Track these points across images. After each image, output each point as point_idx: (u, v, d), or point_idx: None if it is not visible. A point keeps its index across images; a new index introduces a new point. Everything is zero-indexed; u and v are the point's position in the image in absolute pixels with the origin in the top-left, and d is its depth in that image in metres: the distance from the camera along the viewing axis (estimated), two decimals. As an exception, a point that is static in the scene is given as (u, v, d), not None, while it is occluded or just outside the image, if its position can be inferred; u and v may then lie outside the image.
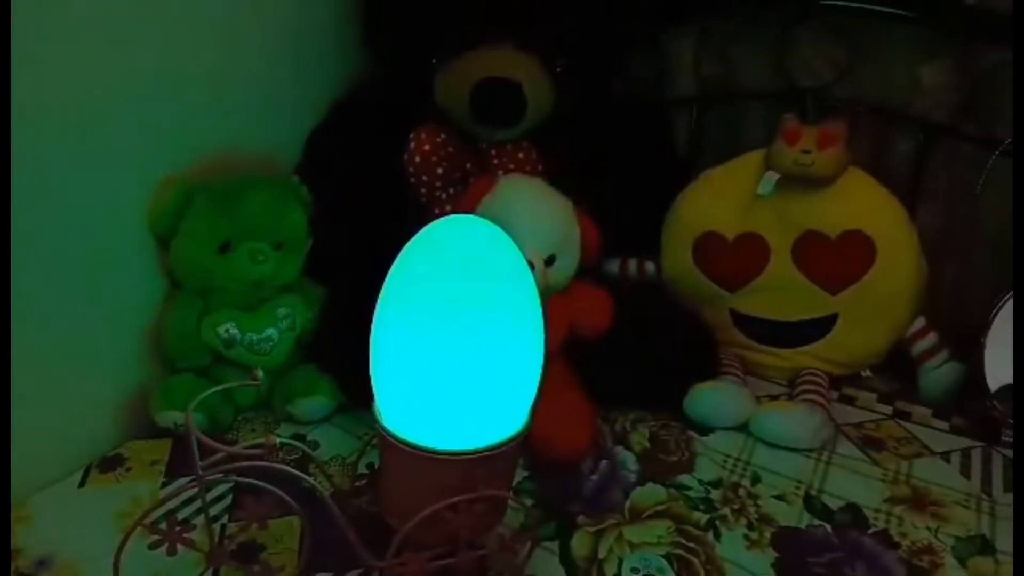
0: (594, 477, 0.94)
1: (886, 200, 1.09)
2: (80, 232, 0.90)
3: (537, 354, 0.71)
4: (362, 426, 1.00)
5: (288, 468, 0.69)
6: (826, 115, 1.10)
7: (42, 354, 0.88)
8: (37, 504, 0.86)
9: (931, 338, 1.10)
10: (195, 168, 0.99)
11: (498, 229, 0.70)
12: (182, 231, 0.96)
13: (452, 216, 0.70)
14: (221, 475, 0.70)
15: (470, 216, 0.71)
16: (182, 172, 0.98)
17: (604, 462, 0.96)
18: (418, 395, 0.68)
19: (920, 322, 1.11)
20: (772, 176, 1.08)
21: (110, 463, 0.93)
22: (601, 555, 0.82)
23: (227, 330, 0.98)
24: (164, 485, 0.90)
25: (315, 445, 0.97)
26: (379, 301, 0.70)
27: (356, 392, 0.95)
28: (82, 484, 0.90)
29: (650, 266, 1.21)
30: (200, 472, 0.67)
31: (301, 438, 0.98)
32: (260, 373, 0.77)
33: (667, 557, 0.81)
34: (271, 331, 1.00)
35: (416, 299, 0.67)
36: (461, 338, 0.66)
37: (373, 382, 0.72)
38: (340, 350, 0.97)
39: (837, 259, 1.08)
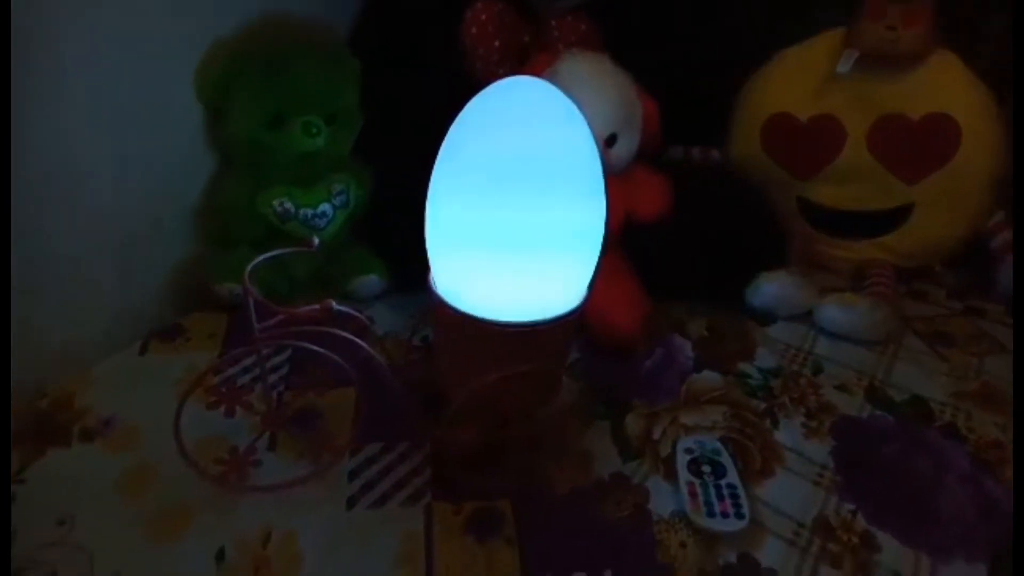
0: (648, 363, 0.93)
1: (973, 83, 1.02)
2: (128, 100, 0.87)
3: (598, 226, 0.68)
4: (413, 305, 1.00)
5: (347, 334, 0.68)
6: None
7: (97, 227, 0.88)
8: (100, 370, 0.88)
9: (1010, 232, 1.04)
10: (243, 32, 0.96)
11: (561, 94, 0.66)
12: (234, 104, 0.94)
13: (516, 78, 0.66)
14: (279, 337, 0.69)
15: (534, 79, 0.67)
16: (230, 37, 0.95)
17: (660, 349, 0.95)
18: (475, 265, 0.66)
19: (1000, 215, 1.05)
20: (852, 54, 1.01)
21: (170, 333, 0.95)
22: (655, 436, 0.81)
23: (281, 203, 0.97)
24: (222, 355, 0.91)
25: (369, 321, 0.97)
26: (436, 163, 0.67)
27: (407, 271, 0.94)
28: (143, 352, 0.92)
29: (715, 154, 1.16)
30: (258, 333, 0.67)
31: (355, 316, 0.98)
32: (316, 239, 0.75)
33: (722, 441, 0.80)
34: (325, 207, 0.99)
35: (474, 161, 0.64)
36: (520, 206, 0.63)
37: (429, 252, 0.71)
38: (392, 229, 0.96)
39: (918, 145, 1.01)
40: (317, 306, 0.67)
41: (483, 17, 1.02)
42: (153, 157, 0.92)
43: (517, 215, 0.63)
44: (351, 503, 0.72)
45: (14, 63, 0.72)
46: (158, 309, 0.97)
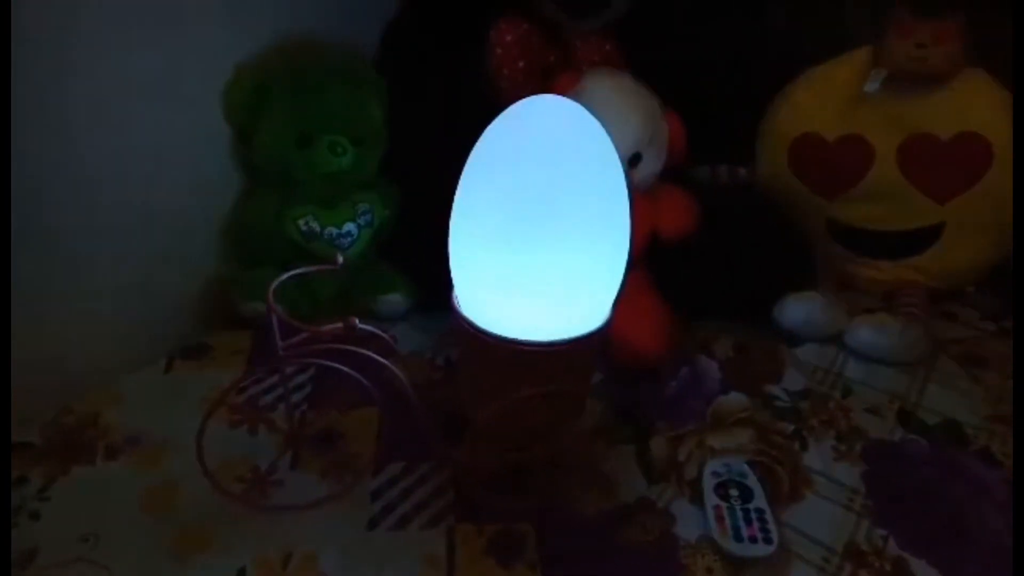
0: (674, 384, 0.91)
1: (1004, 101, 1.00)
2: (153, 120, 0.87)
3: (623, 245, 0.68)
4: (437, 326, 0.99)
5: (370, 353, 0.68)
6: (942, 7, 1.01)
7: (123, 242, 0.88)
8: (125, 387, 0.88)
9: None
10: (270, 53, 0.97)
11: (586, 111, 0.66)
12: (261, 124, 0.94)
13: (540, 96, 0.66)
14: (302, 356, 0.69)
15: (559, 97, 0.67)
16: (257, 59, 0.96)
17: (685, 369, 0.94)
18: (499, 284, 0.66)
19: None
20: (880, 72, 1.00)
21: (194, 351, 0.95)
22: (681, 459, 0.80)
23: (307, 223, 0.97)
24: (246, 374, 0.91)
25: (393, 341, 0.97)
26: (460, 182, 0.67)
27: (431, 290, 0.94)
28: (167, 370, 0.92)
29: (742, 173, 1.15)
30: (281, 351, 0.67)
31: (379, 337, 0.98)
32: (340, 257, 0.75)
33: (750, 464, 0.78)
34: (350, 226, 0.99)
35: (498, 180, 0.64)
36: (545, 225, 0.63)
37: (453, 271, 0.70)
38: (416, 249, 0.96)
39: (948, 164, 1.00)
40: (340, 324, 0.67)
41: (508, 38, 1.02)
42: (180, 174, 0.92)
43: (541, 235, 0.63)
44: (373, 524, 0.71)
45: (45, 82, 0.74)
46: (183, 326, 0.98)
